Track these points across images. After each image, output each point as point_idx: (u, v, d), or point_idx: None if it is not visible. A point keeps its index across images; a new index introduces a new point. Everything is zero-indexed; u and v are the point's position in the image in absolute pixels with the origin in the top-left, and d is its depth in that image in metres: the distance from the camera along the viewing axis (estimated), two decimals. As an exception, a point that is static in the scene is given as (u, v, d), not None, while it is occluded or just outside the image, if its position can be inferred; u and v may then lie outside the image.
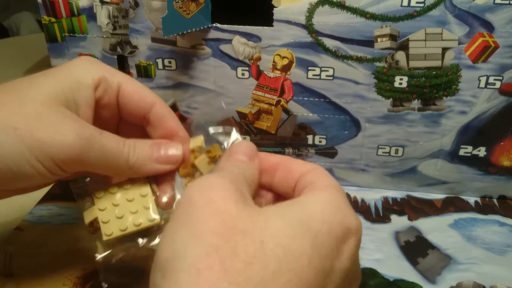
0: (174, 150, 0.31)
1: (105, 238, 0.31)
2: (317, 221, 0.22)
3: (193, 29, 0.42)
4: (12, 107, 0.27)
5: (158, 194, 0.32)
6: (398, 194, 0.48)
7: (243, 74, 0.45)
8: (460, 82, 0.42)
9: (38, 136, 0.27)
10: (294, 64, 0.44)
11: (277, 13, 0.42)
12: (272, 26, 0.42)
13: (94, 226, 0.32)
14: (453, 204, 0.47)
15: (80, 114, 0.30)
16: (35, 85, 0.29)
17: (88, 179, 0.33)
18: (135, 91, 0.32)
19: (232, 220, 0.21)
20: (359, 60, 0.43)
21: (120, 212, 0.31)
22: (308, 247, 0.21)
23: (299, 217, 0.22)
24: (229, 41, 0.44)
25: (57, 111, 0.28)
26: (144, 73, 0.47)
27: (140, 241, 0.32)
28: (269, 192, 0.29)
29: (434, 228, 0.44)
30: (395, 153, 0.46)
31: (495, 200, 0.47)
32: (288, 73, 0.44)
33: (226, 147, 0.31)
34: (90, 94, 0.30)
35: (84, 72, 0.31)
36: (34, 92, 0.28)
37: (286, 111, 0.46)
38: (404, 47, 0.42)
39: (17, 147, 0.26)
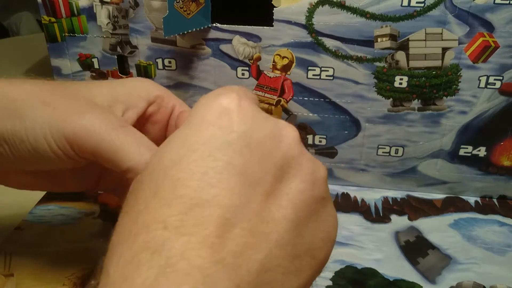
0: None
1: None
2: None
3: (194, 29, 0.42)
4: (52, 91, 0.28)
5: None
6: (398, 194, 0.48)
7: (243, 74, 0.45)
8: (460, 82, 0.42)
9: (59, 113, 0.27)
10: (294, 64, 0.44)
11: (277, 13, 0.42)
12: (272, 26, 0.42)
13: None
14: (453, 204, 0.47)
15: (123, 115, 0.30)
16: (85, 86, 0.30)
17: None
18: (187, 116, 0.32)
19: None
20: (359, 60, 0.43)
21: None
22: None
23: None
24: (229, 41, 0.44)
25: (93, 102, 0.29)
26: (144, 73, 0.47)
27: None
28: None
29: (434, 228, 0.44)
30: (395, 153, 0.46)
31: (495, 200, 0.47)
32: (288, 73, 0.44)
33: None
34: (142, 104, 0.31)
35: (142, 88, 0.31)
36: (82, 89, 0.29)
37: (286, 111, 0.46)
38: (404, 47, 0.42)
39: (40, 120, 0.27)
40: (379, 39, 0.41)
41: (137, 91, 0.31)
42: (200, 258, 0.18)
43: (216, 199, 0.19)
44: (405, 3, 0.40)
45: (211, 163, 0.20)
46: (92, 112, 0.28)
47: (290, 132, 0.22)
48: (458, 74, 0.42)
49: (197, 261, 0.18)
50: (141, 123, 0.32)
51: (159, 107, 0.32)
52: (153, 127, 0.32)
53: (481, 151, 0.45)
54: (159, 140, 0.33)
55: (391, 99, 0.44)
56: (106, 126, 0.27)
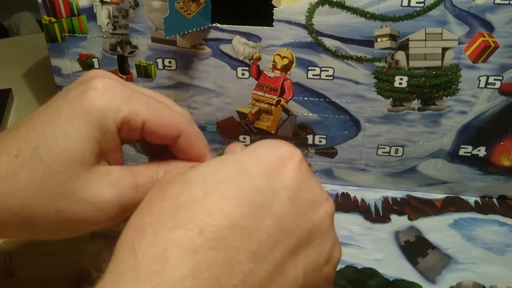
0: None
1: None
2: (243, 156, 0.24)
3: (194, 29, 0.42)
4: (48, 189, 0.26)
5: None
6: (398, 194, 0.48)
7: (243, 74, 0.45)
8: (460, 82, 0.42)
9: (79, 217, 0.27)
10: (294, 64, 0.44)
11: (277, 13, 0.42)
12: (272, 26, 0.42)
13: None
14: (453, 204, 0.47)
15: (109, 159, 0.29)
16: (56, 138, 0.27)
17: None
18: (160, 126, 0.30)
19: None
20: (359, 60, 0.43)
21: None
22: (235, 174, 0.23)
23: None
24: (229, 41, 0.44)
25: (92, 177, 0.27)
26: (144, 73, 0.47)
27: None
28: None
29: (434, 228, 0.44)
30: (395, 153, 0.46)
31: (495, 200, 0.47)
32: (288, 73, 0.44)
33: None
34: (116, 140, 0.29)
35: (106, 114, 0.27)
36: (63, 161, 0.27)
37: (286, 111, 0.46)
38: (404, 47, 0.42)
39: (58, 227, 0.27)
40: (379, 39, 0.41)
41: (104, 126, 0.27)
42: (222, 277, 0.20)
43: (251, 231, 0.21)
44: (405, 3, 0.40)
45: (258, 198, 0.22)
46: (109, 201, 0.27)
47: (329, 206, 0.25)
48: (458, 74, 0.42)
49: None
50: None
51: (127, 130, 0.29)
52: (129, 141, 0.31)
53: (481, 151, 0.45)
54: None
55: (391, 99, 0.44)
56: (127, 203, 0.28)
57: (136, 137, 0.30)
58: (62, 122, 0.27)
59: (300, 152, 0.25)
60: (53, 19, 0.45)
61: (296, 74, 0.44)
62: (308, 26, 0.42)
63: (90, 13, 0.45)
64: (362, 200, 0.48)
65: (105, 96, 0.28)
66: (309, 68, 0.44)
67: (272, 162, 0.24)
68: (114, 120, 0.27)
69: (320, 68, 0.43)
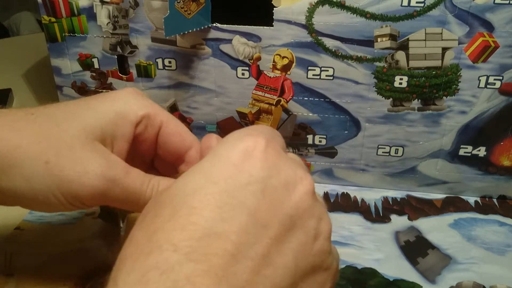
0: None
1: None
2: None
3: (194, 29, 0.42)
4: (49, 141, 0.28)
5: None
6: (398, 194, 0.48)
7: (243, 74, 0.45)
8: (460, 82, 0.42)
9: (65, 173, 0.28)
10: (294, 64, 0.44)
11: (277, 13, 0.42)
12: (272, 26, 0.42)
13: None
14: (453, 204, 0.47)
15: (114, 148, 0.30)
16: (76, 116, 0.30)
17: None
18: (175, 132, 0.32)
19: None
20: (359, 60, 0.43)
21: None
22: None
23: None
24: (229, 41, 0.44)
25: (89, 146, 0.29)
26: (144, 73, 0.47)
27: None
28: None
29: (434, 228, 0.44)
30: (395, 153, 0.46)
31: (495, 200, 0.47)
32: (288, 73, 0.44)
33: None
34: (130, 129, 0.31)
35: (129, 107, 0.31)
36: (74, 124, 0.29)
37: (286, 111, 0.46)
38: (404, 47, 0.42)
39: (46, 180, 0.28)
40: (379, 39, 0.41)
41: (123, 116, 0.30)
42: (203, 286, 0.19)
43: (226, 233, 0.21)
44: (405, 3, 0.40)
45: (227, 199, 0.22)
46: (97, 167, 0.28)
47: (305, 185, 0.24)
48: (458, 74, 0.42)
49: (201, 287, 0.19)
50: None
51: (145, 126, 0.31)
52: (140, 145, 0.32)
53: (481, 151, 0.45)
54: (147, 157, 0.34)
55: (391, 99, 0.44)
56: (115, 182, 0.29)
57: (151, 136, 0.32)
58: (85, 102, 0.31)
59: (265, 137, 0.24)
60: (53, 19, 0.45)
61: (296, 74, 0.44)
62: (308, 26, 0.42)
63: (90, 13, 0.45)
64: (362, 200, 0.47)
65: (134, 94, 0.31)
66: (309, 68, 0.44)
67: (235, 159, 0.23)
68: (135, 112, 0.31)
69: (320, 68, 0.43)
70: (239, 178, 0.22)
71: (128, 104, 0.31)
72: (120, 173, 0.29)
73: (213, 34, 0.44)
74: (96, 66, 0.47)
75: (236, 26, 0.43)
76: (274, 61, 0.44)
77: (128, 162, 0.30)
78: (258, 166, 0.23)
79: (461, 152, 0.45)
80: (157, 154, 0.34)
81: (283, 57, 0.44)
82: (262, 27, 0.43)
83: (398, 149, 0.46)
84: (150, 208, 0.23)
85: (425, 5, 0.40)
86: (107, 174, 0.29)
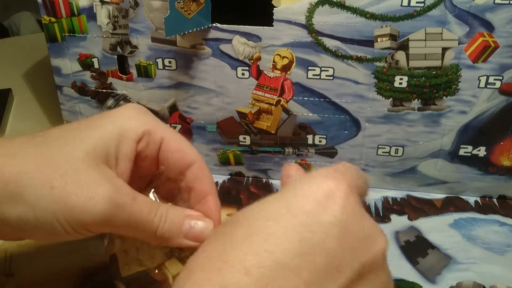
0: (204, 228, 0.31)
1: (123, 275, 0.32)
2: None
3: (194, 29, 0.42)
4: (53, 165, 0.28)
5: None
6: (398, 194, 0.48)
7: (243, 74, 0.45)
8: (460, 82, 0.42)
9: (71, 199, 0.27)
10: (294, 64, 0.44)
11: (277, 13, 0.42)
12: (272, 26, 0.42)
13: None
14: (453, 204, 0.47)
15: (118, 168, 0.30)
16: (78, 138, 0.29)
17: None
18: (177, 148, 0.32)
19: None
20: (359, 60, 0.43)
21: (135, 253, 0.32)
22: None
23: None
24: (229, 41, 0.44)
25: (94, 169, 0.28)
26: (144, 73, 0.47)
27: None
28: None
29: (434, 228, 0.44)
30: (395, 153, 0.46)
31: (495, 200, 0.47)
32: (288, 73, 0.44)
33: None
34: (132, 147, 0.30)
35: (130, 125, 0.30)
36: (77, 147, 0.29)
37: (286, 111, 0.46)
38: (404, 47, 0.42)
39: (51, 206, 0.27)
40: (379, 39, 0.41)
41: (125, 134, 0.30)
42: None
43: (299, 269, 0.21)
44: (405, 3, 0.40)
45: (307, 235, 0.22)
46: (104, 193, 0.28)
47: (383, 243, 0.24)
48: (458, 74, 0.42)
49: None
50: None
51: (147, 143, 0.31)
52: (143, 162, 0.32)
53: (481, 151, 0.45)
54: (149, 174, 0.33)
55: (391, 99, 0.44)
56: (122, 208, 0.28)
57: (153, 152, 0.31)
58: (86, 123, 0.30)
59: (347, 184, 0.24)
60: (53, 19, 0.45)
61: (296, 74, 0.44)
62: (308, 26, 0.42)
63: (90, 13, 0.45)
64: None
65: (133, 111, 0.31)
66: (309, 68, 0.44)
67: (318, 196, 0.23)
68: (136, 130, 0.30)
69: (320, 68, 0.43)
70: (321, 215, 0.22)
71: (128, 122, 0.30)
72: (127, 199, 0.28)
73: (213, 34, 0.44)
74: (96, 66, 0.47)
75: (236, 26, 0.43)
76: (274, 61, 0.44)
77: (129, 181, 0.30)
78: (341, 210, 0.23)
79: (461, 152, 0.45)
80: (158, 172, 0.34)
81: (283, 57, 0.44)
82: (262, 27, 0.43)
83: (398, 149, 0.46)
84: (222, 225, 0.24)
85: (425, 5, 0.40)
86: (114, 200, 0.28)
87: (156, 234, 0.29)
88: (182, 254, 0.32)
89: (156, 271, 0.32)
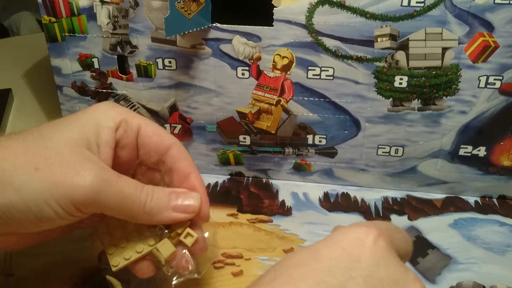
0: (191, 200, 0.32)
1: (114, 269, 0.32)
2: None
3: (194, 29, 0.42)
4: (36, 150, 0.28)
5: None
6: (398, 194, 0.48)
7: (243, 74, 0.45)
8: (460, 82, 0.42)
9: (57, 178, 0.27)
10: (294, 64, 0.44)
11: (277, 13, 0.42)
12: (272, 26, 0.42)
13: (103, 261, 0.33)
14: (453, 204, 0.47)
15: (100, 155, 0.30)
16: (59, 129, 0.30)
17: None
18: (154, 133, 0.33)
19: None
20: (359, 60, 0.43)
21: (124, 243, 0.32)
22: None
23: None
24: (229, 41, 0.44)
25: (77, 152, 0.29)
26: (144, 73, 0.47)
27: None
28: None
29: (434, 228, 0.44)
30: (395, 153, 0.46)
31: (495, 200, 0.47)
32: (288, 73, 0.44)
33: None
34: (111, 135, 0.31)
35: (106, 115, 0.32)
36: (58, 135, 0.29)
37: (286, 111, 0.46)
38: (404, 47, 0.42)
39: (37, 187, 0.27)
40: (379, 39, 0.41)
41: (103, 123, 0.31)
42: None
43: None
44: (405, 3, 0.40)
45: (326, 278, 0.22)
46: (89, 169, 0.28)
47: (416, 287, 0.24)
48: (458, 74, 0.42)
49: None
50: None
51: (125, 130, 0.32)
52: (122, 151, 0.33)
53: (481, 151, 0.45)
54: (130, 164, 0.34)
55: (391, 99, 0.44)
56: (108, 182, 0.28)
57: (131, 140, 0.32)
58: (66, 118, 0.31)
59: (378, 229, 0.24)
60: (53, 19, 0.45)
61: (296, 74, 0.44)
62: (308, 26, 0.42)
63: (90, 13, 0.45)
64: (362, 200, 0.47)
65: (107, 105, 0.32)
66: (309, 68, 0.44)
67: (345, 243, 0.24)
68: (113, 118, 0.31)
69: (320, 68, 0.43)
70: (344, 261, 0.23)
71: (104, 113, 0.32)
72: (112, 176, 0.29)
73: (213, 34, 0.44)
74: (96, 66, 0.47)
75: (236, 26, 0.43)
76: (274, 61, 0.44)
77: None
78: (368, 254, 0.23)
79: (461, 152, 0.45)
80: (138, 161, 0.34)
81: (283, 57, 0.44)
82: (262, 27, 0.43)
83: (398, 149, 0.46)
84: (263, 274, 0.25)
85: (425, 5, 0.40)
86: (101, 175, 0.28)
87: (145, 209, 0.30)
88: (173, 232, 0.32)
89: (147, 257, 0.32)
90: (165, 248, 0.32)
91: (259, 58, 0.44)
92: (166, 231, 0.32)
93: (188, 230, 0.32)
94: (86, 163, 0.28)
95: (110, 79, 0.48)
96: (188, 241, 0.32)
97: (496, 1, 0.39)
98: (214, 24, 0.43)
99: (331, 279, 0.22)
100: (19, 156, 0.28)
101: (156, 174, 0.34)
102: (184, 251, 0.33)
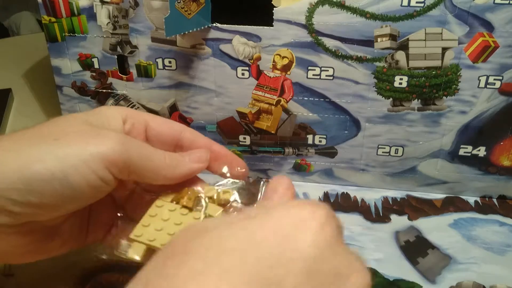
0: (200, 152, 0.32)
1: (132, 236, 0.29)
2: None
3: (194, 29, 0.42)
4: (50, 128, 0.28)
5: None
6: (398, 194, 0.48)
7: (243, 74, 0.45)
8: (460, 82, 0.42)
9: (80, 143, 0.26)
10: (294, 64, 0.44)
11: (277, 13, 0.42)
12: (272, 26, 0.42)
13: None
14: (453, 204, 0.47)
15: None
16: (69, 118, 0.30)
17: None
18: (163, 122, 0.33)
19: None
20: (359, 60, 0.43)
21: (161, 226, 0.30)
22: None
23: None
24: (229, 41, 0.44)
25: (93, 127, 0.29)
26: (144, 73, 0.47)
27: None
28: None
29: (434, 228, 0.44)
30: (395, 153, 0.46)
31: (495, 200, 0.47)
32: (288, 73, 0.44)
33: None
34: (121, 125, 0.31)
35: (112, 111, 0.32)
36: (70, 120, 0.29)
37: (286, 111, 0.46)
38: (404, 47, 0.42)
39: (62, 154, 0.25)
40: (379, 39, 0.41)
41: (112, 116, 0.31)
42: None
43: None
44: (405, 3, 0.40)
45: (262, 270, 0.19)
46: (110, 131, 0.28)
47: (360, 278, 0.21)
48: (458, 74, 0.42)
49: None
50: None
51: (132, 124, 0.32)
52: None
53: (481, 151, 0.45)
54: None
55: (391, 99, 0.44)
56: (129, 138, 0.28)
57: (141, 133, 0.33)
58: (73, 114, 0.31)
59: (327, 212, 0.22)
60: (53, 19, 0.45)
61: (296, 74, 0.44)
62: (308, 26, 0.42)
63: (90, 13, 0.45)
64: (362, 200, 0.47)
65: (111, 106, 0.34)
66: (309, 68, 0.44)
67: (287, 227, 0.21)
68: (119, 112, 0.32)
69: (320, 68, 0.43)
70: (285, 250, 0.20)
71: (110, 109, 0.32)
72: (130, 138, 0.29)
73: (213, 34, 0.44)
74: (96, 66, 0.47)
75: (236, 26, 0.43)
76: (274, 61, 0.44)
77: None
78: (311, 243, 0.20)
79: (461, 152, 0.45)
80: None
81: (283, 57, 0.44)
82: (262, 27, 0.43)
83: (398, 149, 0.46)
84: (172, 254, 0.21)
85: (425, 5, 0.40)
86: (120, 137, 0.28)
87: (165, 160, 0.30)
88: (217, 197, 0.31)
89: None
90: (212, 209, 0.31)
91: (259, 58, 0.44)
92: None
93: (222, 189, 0.32)
94: (104, 130, 0.29)
95: (110, 79, 0.48)
96: (227, 196, 0.31)
97: (496, 1, 0.39)
98: (214, 24, 0.43)
99: (269, 273, 0.19)
100: (34, 135, 0.27)
101: None
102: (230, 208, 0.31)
